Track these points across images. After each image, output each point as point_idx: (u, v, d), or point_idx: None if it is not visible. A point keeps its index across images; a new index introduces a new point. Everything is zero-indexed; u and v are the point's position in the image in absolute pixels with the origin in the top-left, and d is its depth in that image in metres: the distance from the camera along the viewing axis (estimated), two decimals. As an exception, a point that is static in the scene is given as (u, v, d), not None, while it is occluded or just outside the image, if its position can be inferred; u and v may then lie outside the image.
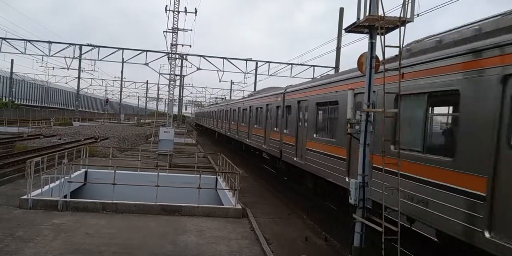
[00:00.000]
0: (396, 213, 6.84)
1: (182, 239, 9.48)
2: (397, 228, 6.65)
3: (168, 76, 35.70)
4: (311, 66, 42.67)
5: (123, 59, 44.68)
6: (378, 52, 7.33)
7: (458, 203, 6.19)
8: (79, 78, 62.70)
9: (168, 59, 36.35)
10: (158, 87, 66.50)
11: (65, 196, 11.96)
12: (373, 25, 7.35)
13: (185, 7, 35.93)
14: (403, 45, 6.97)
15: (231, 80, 78.56)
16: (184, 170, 18.48)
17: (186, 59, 43.70)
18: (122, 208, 11.58)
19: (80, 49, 44.50)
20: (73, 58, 45.42)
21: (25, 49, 40.57)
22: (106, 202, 11.66)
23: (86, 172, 17.12)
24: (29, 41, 40.81)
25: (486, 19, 6.86)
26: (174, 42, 35.38)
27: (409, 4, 7.03)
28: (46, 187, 12.36)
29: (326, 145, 11.79)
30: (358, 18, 7.39)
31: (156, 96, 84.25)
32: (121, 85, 79.94)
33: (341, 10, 33.49)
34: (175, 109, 62.51)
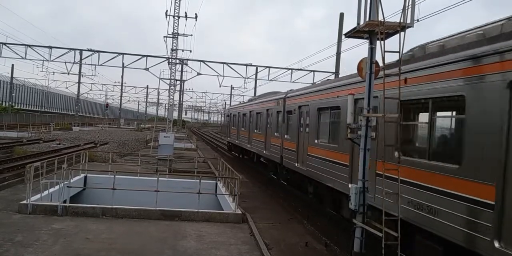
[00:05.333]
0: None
1: (182, 244, 9.45)
2: (397, 234, 6.64)
3: (168, 81, 35.81)
4: (311, 71, 42.73)
5: (123, 64, 44.71)
6: (378, 57, 7.37)
7: None
8: (79, 83, 62.80)
9: (168, 64, 36.50)
10: (158, 92, 66.39)
11: (64, 201, 11.93)
12: (373, 31, 7.39)
13: (185, 12, 36.24)
14: (403, 51, 6.99)
15: (231, 85, 78.75)
16: (184, 175, 18.46)
17: (186, 64, 43.75)
18: (121, 213, 11.54)
19: (81, 54, 44.59)
20: (74, 63, 45.46)
21: (26, 54, 40.61)
22: (106, 207, 11.62)
23: (85, 177, 17.07)
24: (29, 46, 40.88)
25: None
26: (174, 47, 35.53)
27: (409, 10, 7.07)
28: (46, 192, 12.32)
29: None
30: (358, 24, 7.44)
31: (156, 101, 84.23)
32: (121, 90, 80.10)
33: (341, 15, 33.63)
34: (175, 114, 62.53)
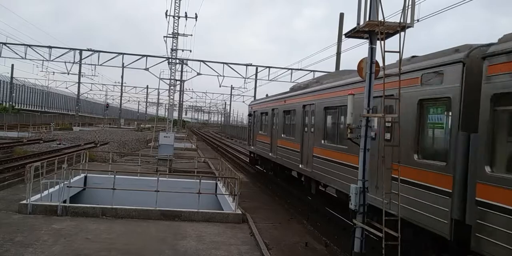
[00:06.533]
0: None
1: (182, 245, 9.45)
2: (398, 234, 6.64)
3: (168, 81, 35.84)
4: (311, 71, 42.88)
5: (123, 64, 44.93)
6: (378, 57, 7.37)
7: None
8: (79, 83, 62.82)
9: (168, 64, 36.55)
10: (158, 92, 66.53)
11: (64, 201, 11.92)
12: (373, 31, 7.38)
13: (186, 12, 36.23)
14: (403, 50, 6.98)
15: (231, 85, 78.82)
16: (184, 175, 18.46)
17: (186, 64, 43.86)
18: (121, 213, 11.54)
19: (81, 54, 44.73)
20: (74, 63, 45.70)
21: (26, 54, 40.84)
22: (106, 207, 11.62)
23: (85, 177, 17.08)
24: (29, 46, 41.01)
25: None
26: (174, 47, 35.54)
27: (409, 10, 7.06)
28: (46, 192, 12.32)
29: None
30: (358, 24, 7.42)
31: (156, 101, 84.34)
32: (121, 90, 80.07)
33: (341, 15, 33.61)
34: (175, 114, 62.55)
